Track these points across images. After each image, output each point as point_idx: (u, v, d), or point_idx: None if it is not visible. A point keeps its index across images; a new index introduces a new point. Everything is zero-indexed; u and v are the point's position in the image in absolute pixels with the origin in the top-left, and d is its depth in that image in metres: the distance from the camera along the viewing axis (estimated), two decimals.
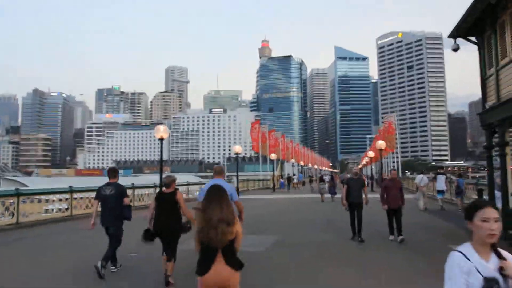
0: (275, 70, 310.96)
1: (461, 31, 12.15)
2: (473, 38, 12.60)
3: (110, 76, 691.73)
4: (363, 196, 11.44)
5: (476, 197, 19.97)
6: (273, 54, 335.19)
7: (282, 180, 50.27)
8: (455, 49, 12.95)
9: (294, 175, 57.74)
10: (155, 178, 36.33)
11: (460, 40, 12.97)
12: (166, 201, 6.86)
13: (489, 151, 12.33)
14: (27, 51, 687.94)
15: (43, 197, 18.35)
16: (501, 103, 10.86)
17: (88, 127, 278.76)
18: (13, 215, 15.11)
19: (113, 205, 7.76)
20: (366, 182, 13.19)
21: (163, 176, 7.55)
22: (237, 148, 34.48)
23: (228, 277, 3.57)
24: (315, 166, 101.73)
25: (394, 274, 7.57)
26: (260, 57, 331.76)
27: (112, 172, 8.18)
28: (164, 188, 7.12)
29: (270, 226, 14.72)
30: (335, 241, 11.28)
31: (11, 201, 15.24)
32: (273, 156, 49.78)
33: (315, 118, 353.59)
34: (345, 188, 11.60)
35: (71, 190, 18.25)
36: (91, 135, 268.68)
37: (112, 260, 7.90)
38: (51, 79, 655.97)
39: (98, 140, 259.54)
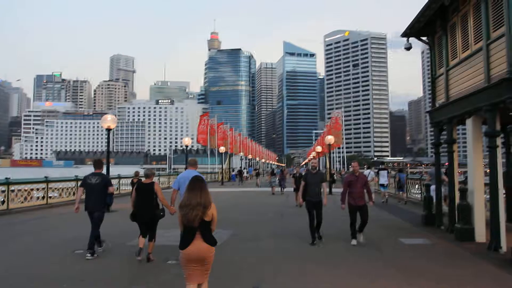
0: (224, 62, 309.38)
1: (414, 30, 12.45)
2: (424, 38, 12.99)
3: (50, 62, 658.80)
4: (322, 191, 10.16)
5: (418, 191, 20.89)
6: (222, 47, 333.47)
7: (234, 173, 50.23)
8: (408, 47, 13.27)
9: (244, 168, 57.83)
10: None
11: (408, 40, 13.33)
12: (145, 190, 8.05)
13: (437, 148, 12.78)
14: None
15: None
16: (450, 102, 11.25)
17: (26, 115, 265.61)
18: None
19: (99, 193, 8.65)
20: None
21: (146, 168, 9.29)
22: (187, 141, 33.93)
23: (205, 251, 4.45)
24: (262, 160, 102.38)
25: (351, 269, 7.62)
26: (209, 49, 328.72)
27: (98, 164, 9.10)
28: (143, 179, 8.41)
29: (222, 219, 14.38)
30: (290, 235, 11.24)
31: None
32: (222, 149, 49.45)
33: (263, 112, 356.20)
34: (303, 185, 10.35)
35: (7, 182, 16.98)
36: (29, 124, 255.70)
37: (98, 241, 8.84)
38: None
39: (36, 129, 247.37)
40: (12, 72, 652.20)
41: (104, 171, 9.33)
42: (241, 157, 67.10)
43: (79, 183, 17.58)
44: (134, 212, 8.05)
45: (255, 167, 78.11)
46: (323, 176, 10.61)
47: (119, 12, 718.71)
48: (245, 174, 51.24)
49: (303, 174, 14.21)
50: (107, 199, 9.09)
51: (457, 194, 10.81)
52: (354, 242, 9.84)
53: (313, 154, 76.38)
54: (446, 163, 12.35)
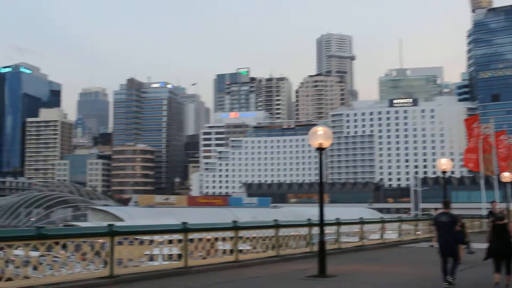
0: (501, 29, 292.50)
1: None
2: None
3: (233, 58, 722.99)
4: None
5: None
6: (497, 3, 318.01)
7: None
8: None
9: None
10: (309, 212, 35.81)
11: None
12: (501, 230, 14.29)
13: None
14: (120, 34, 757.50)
15: (146, 237, 18.93)
16: None
17: (205, 133, 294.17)
18: (106, 263, 15.65)
19: (448, 231, 15.41)
20: None
21: (496, 208, 15.12)
22: (445, 164, 32.71)
23: None
24: None
25: None
26: (473, 10, 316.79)
27: (446, 204, 16.11)
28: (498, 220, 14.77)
29: None
30: None
31: (103, 241, 15.88)
32: (506, 176, 46.49)
33: None
34: None
35: (185, 229, 18.44)
36: (209, 145, 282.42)
37: (452, 273, 15.66)
38: (147, 67, 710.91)
39: (219, 152, 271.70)
40: (184, 75, 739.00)
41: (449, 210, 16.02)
42: None
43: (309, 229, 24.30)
44: (491, 247, 14.38)
45: None
46: None
47: None
48: None
49: None
50: (458, 236, 15.93)
51: None
52: None
53: None
54: None
